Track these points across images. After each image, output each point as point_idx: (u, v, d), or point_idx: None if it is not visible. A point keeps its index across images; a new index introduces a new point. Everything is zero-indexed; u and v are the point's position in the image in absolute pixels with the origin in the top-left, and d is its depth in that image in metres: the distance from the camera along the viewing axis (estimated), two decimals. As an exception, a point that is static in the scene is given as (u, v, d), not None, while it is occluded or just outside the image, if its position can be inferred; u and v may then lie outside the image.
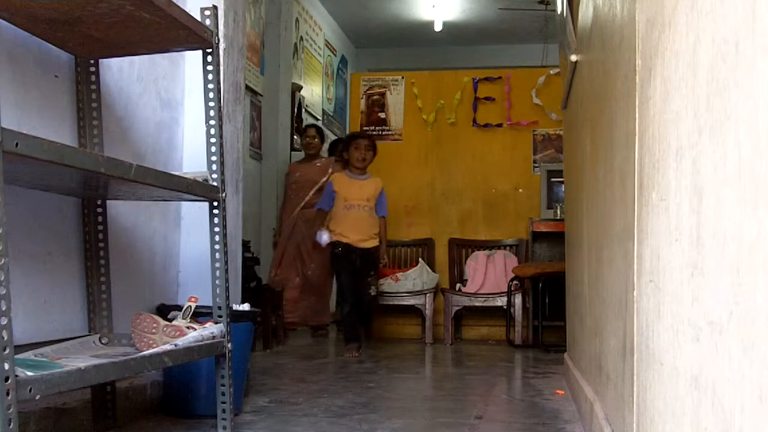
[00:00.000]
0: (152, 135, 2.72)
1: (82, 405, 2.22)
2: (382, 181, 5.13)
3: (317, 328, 6.15)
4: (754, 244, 0.72)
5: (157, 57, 2.70)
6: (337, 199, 5.01)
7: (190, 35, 2.14)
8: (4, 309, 1.29)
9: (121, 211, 2.50)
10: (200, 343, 2.08)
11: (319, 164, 6.26)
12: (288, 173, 6.42)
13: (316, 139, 6.33)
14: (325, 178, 5.99)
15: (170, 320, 2.20)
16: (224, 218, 2.25)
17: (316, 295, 6.07)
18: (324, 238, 4.93)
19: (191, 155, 2.88)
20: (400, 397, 3.01)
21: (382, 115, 6.55)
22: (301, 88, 7.24)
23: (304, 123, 7.08)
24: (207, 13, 2.22)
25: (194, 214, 2.85)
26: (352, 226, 4.94)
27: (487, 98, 6.46)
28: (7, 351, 1.30)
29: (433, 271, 6.17)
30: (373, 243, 5.02)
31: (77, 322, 2.27)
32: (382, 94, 6.59)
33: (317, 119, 7.85)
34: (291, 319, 5.92)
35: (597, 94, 2.16)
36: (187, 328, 2.16)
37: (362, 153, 5.17)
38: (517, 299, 5.70)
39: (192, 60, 2.84)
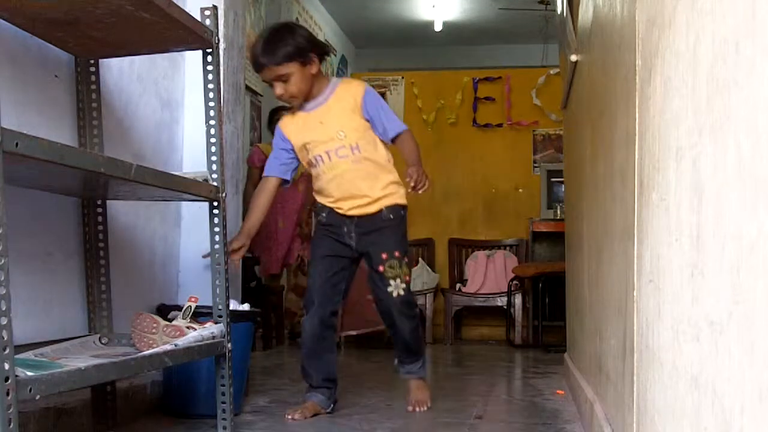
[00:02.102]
0: (152, 135, 2.72)
1: (82, 405, 2.22)
2: (363, 83, 2.83)
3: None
4: (754, 244, 0.72)
5: (157, 57, 2.70)
6: (303, 158, 2.75)
7: (190, 35, 2.14)
8: (4, 309, 1.29)
9: (121, 211, 2.50)
10: (200, 343, 2.08)
11: None
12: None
13: None
14: None
15: (170, 320, 2.20)
16: (224, 218, 2.25)
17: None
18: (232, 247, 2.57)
19: (191, 155, 2.88)
20: (400, 396, 3.01)
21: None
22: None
23: None
24: (207, 13, 2.22)
25: (194, 214, 2.85)
26: (339, 189, 2.71)
27: (487, 98, 6.46)
28: (7, 351, 1.30)
29: (433, 271, 6.17)
30: (381, 204, 2.72)
31: (77, 322, 2.27)
32: (382, 94, 6.59)
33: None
34: (349, 330, 5.06)
35: (597, 94, 2.16)
36: (187, 328, 2.16)
37: (282, 88, 3.21)
38: (517, 299, 5.70)
39: (192, 60, 2.84)
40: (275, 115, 4.98)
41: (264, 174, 2.81)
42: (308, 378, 2.72)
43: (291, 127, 2.75)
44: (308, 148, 2.71)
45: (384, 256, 2.69)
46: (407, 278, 2.73)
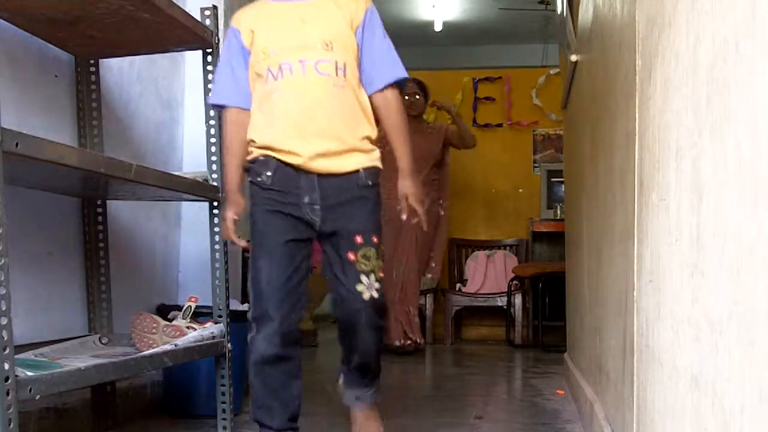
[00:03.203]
0: (152, 135, 2.72)
1: (82, 405, 2.22)
2: None
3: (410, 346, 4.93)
4: (754, 244, 0.72)
5: (157, 57, 2.70)
6: (254, 65, 1.91)
7: (190, 35, 2.14)
8: (4, 309, 1.29)
9: (121, 211, 2.50)
10: (200, 343, 2.08)
11: (430, 130, 5.11)
12: (381, 139, 5.24)
13: (418, 97, 4.99)
14: (440, 151, 4.99)
15: (170, 320, 2.20)
16: (224, 218, 2.25)
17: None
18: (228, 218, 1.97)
19: (191, 155, 2.88)
20: (400, 396, 3.01)
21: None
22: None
23: None
24: (207, 13, 2.23)
25: (194, 214, 2.85)
26: (301, 121, 1.87)
27: (487, 98, 6.45)
28: (7, 351, 1.30)
29: (433, 271, 6.16)
30: (358, 162, 1.93)
31: (77, 322, 2.27)
32: (382, 94, 6.58)
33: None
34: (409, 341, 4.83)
35: (597, 94, 2.16)
36: (187, 328, 2.16)
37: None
38: (517, 299, 5.70)
39: (192, 60, 2.84)
40: None
41: (212, 101, 2.00)
42: (267, 418, 1.92)
43: (254, 20, 1.92)
44: (271, 52, 1.86)
45: (359, 239, 1.90)
46: (381, 274, 1.96)
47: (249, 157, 1.92)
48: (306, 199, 1.89)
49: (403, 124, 1.99)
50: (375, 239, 1.94)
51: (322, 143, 1.87)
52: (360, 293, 1.92)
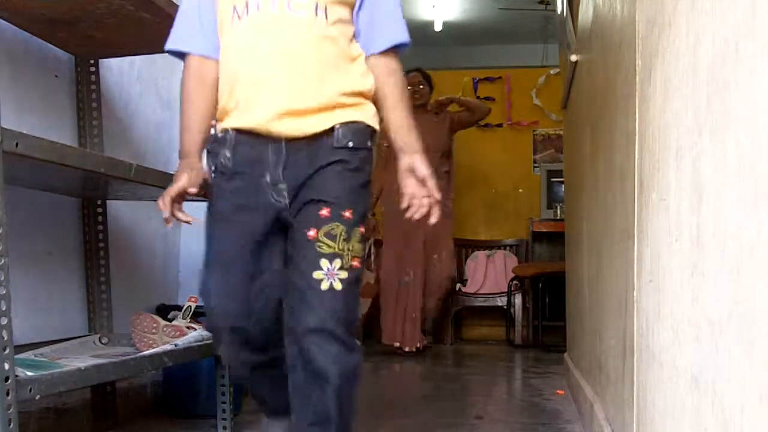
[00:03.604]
0: (152, 135, 2.72)
1: (82, 405, 2.22)
2: None
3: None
4: (754, 244, 0.72)
5: (157, 57, 2.70)
6: (221, 6, 1.54)
7: (190, 35, 2.14)
8: (4, 309, 1.29)
9: (121, 211, 2.50)
10: (200, 343, 2.08)
11: (435, 119, 4.92)
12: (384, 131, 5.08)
13: (422, 86, 4.91)
14: (448, 140, 4.89)
15: (170, 320, 2.20)
16: (224, 218, 2.25)
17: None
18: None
19: (191, 155, 2.88)
20: (400, 396, 3.01)
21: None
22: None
23: None
24: (207, 13, 2.22)
25: (194, 214, 2.84)
26: (265, 65, 1.48)
27: (487, 98, 6.45)
28: (7, 351, 1.30)
29: (433, 271, 6.16)
30: (334, 119, 1.49)
31: (77, 322, 2.27)
32: (382, 94, 6.57)
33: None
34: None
35: (597, 94, 2.16)
36: (187, 328, 2.16)
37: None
38: (517, 299, 5.70)
39: (192, 60, 2.83)
40: None
41: (169, 47, 1.65)
42: (272, 406, 1.68)
43: None
44: None
45: (324, 211, 1.45)
46: (356, 263, 1.46)
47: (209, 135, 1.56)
48: (268, 178, 1.48)
49: (406, 93, 1.59)
50: (348, 214, 1.46)
51: (289, 99, 1.46)
52: (317, 282, 1.41)
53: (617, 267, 1.68)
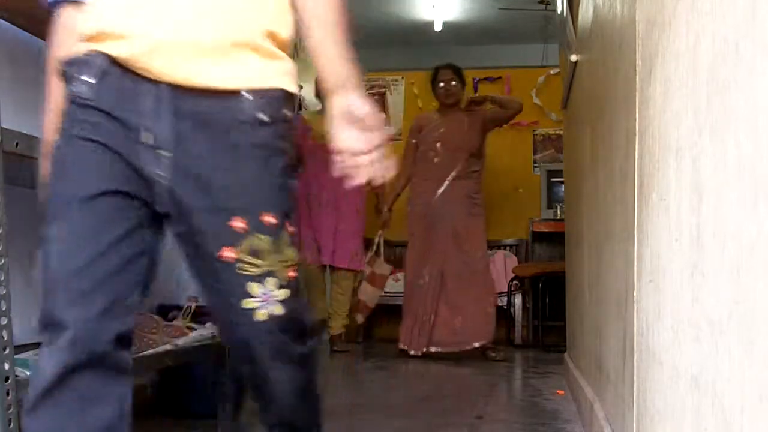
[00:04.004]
0: (152, 135, 2.72)
1: (82, 405, 2.21)
2: None
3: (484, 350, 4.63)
4: (754, 244, 0.72)
5: (157, 57, 2.70)
6: None
7: (190, 35, 2.14)
8: (4, 309, 1.29)
9: (121, 211, 2.49)
10: (200, 343, 2.08)
11: (468, 118, 4.77)
12: (413, 129, 4.88)
13: (455, 83, 4.77)
14: (479, 140, 4.70)
15: (170, 320, 2.20)
16: (224, 218, 2.25)
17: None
18: None
19: (191, 155, 2.88)
20: (400, 396, 3.01)
21: (382, 115, 6.53)
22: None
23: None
24: (207, 13, 2.22)
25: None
26: None
27: (487, 98, 6.46)
28: (7, 351, 1.30)
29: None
30: (248, 76, 1.13)
31: (77, 322, 2.27)
32: (382, 95, 6.58)
33: (317, 119, 7.82)
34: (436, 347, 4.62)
35: (597, 94, 2.16)
36: (187, 328, 2.16)
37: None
38: (517, 299, 5.70)
39: (192, 60, 2.83)
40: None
41: None
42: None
43: None
44: None
45: (239, 223, 1.14)
46: (292, 273, 1.19)
47: (66, 55, 1.16)
48: (144, 136, 1.10)
49: (338, 12, 1.19)
50: (270, 218, 1.15)
51: (181, 24, 1.10)
52: (250, 312, 1.17)
53: (617, 267, 1.68)
